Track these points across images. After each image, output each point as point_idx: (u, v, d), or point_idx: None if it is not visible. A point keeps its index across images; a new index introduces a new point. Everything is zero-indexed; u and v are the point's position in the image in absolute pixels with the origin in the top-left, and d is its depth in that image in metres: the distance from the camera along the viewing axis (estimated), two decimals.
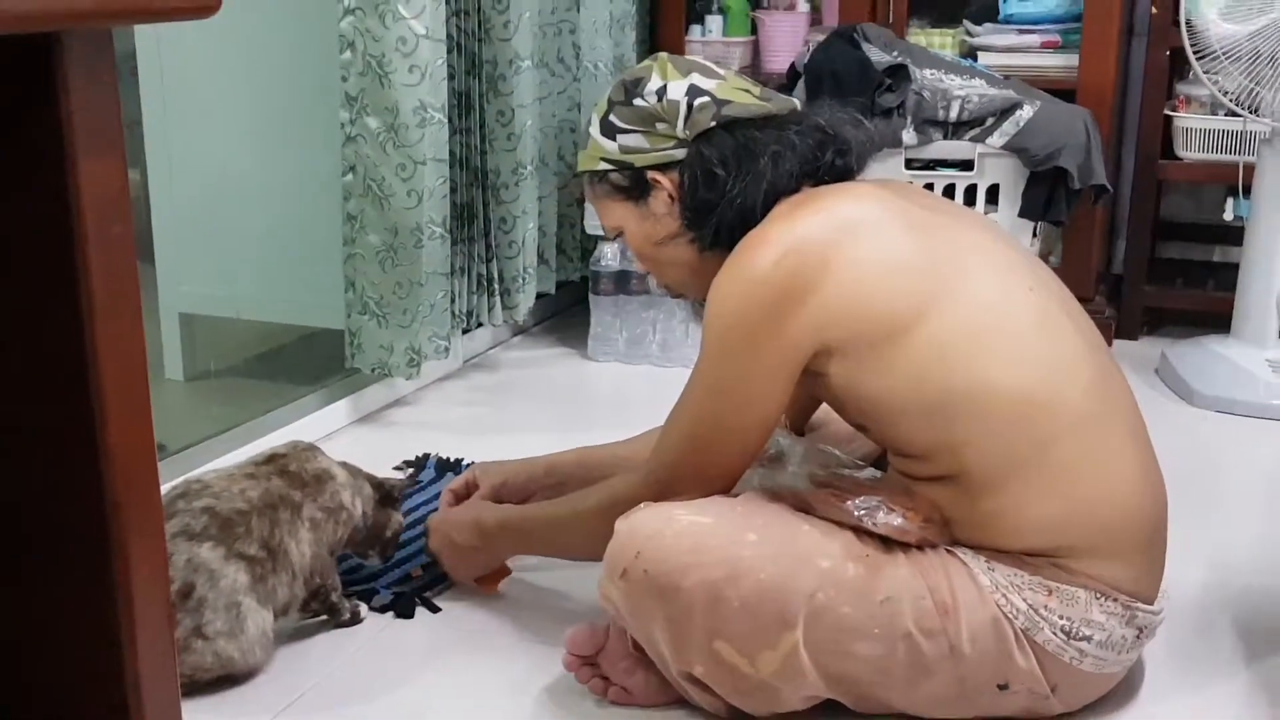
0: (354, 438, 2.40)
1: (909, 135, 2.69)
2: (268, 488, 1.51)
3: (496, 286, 2.68)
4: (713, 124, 1.44)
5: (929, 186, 2.72)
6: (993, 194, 2.74)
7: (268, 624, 1.47)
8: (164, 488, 1.53)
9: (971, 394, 1.30)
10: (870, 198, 1.40)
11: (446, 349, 2.50)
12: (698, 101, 1.44)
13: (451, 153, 2.45)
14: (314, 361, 2.82)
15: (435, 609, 1.69)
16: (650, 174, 1.47)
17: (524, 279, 2.72)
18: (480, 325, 2.78)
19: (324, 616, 1.61)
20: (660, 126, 1.46)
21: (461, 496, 1.79)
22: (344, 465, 1.66)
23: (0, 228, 0.84)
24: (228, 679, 1.47)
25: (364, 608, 1.65)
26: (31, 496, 0.90)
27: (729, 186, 1.42)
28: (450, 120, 2.42)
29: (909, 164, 2.72)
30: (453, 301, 2.55)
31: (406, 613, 1.67)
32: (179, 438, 2.28)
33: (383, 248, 2.34)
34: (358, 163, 2.30)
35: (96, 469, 0.85)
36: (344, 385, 2.50)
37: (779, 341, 1.34)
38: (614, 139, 1.48)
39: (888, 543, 1.33)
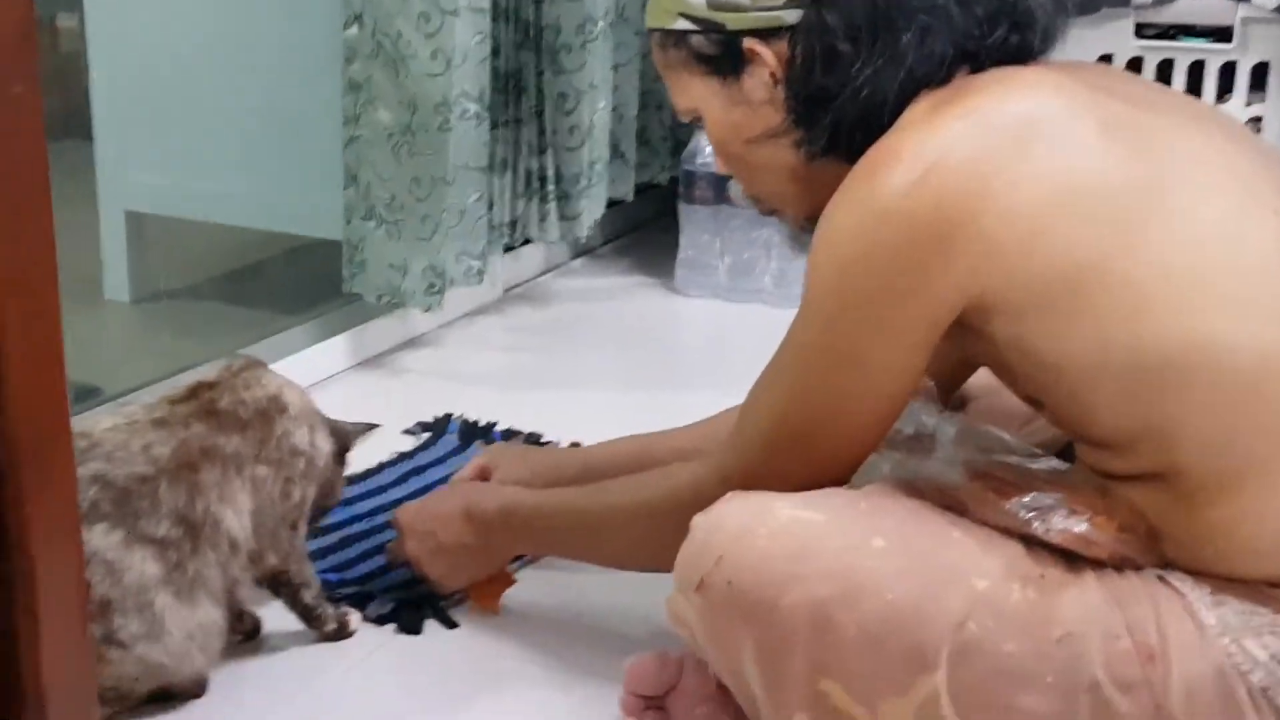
0: (352, 387, 2.43)
1: None
2: (184, 439, 1.50)
3: (552, 189, 2.69)
4: None
5: (1165, 66, 2.65)
6: (1259, 76, 2.67)
7: (205, 620, 1.48)
8: None
9: (1186, 355, 1.27)
10: (1048, 88, 1.36)
11: (480, 272, 2.52)
12: None
13: (494, 1, 2.45)
14: (302, 283, 2.86)
15: (451, 624, 1.71)
16: (747, 43, 1.44)
17: (590, 179, 2.72)
18: (528, 242, 2.79)
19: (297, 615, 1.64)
20: None
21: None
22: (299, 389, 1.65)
23: None
24: (170, 695, 1.51)
25: (355, 616, 1.68)
26: None
27: (855, 70, 1.39)
28: None
29: (1140, 30, 2.66)
30: (491, 207, 2.56)
31: (412, 627, 1.70)
32: (119, 378, 2.33)
33: (397, 130, 2.35)
34: (365, 10, 2.31)
35: None
36: (341, 316, 2.54)
37: (915, 298, 1.32)
38: None
39: (1072, 561, 1.31)
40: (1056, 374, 1.32)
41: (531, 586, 1.76)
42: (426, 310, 2.47)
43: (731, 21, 1.45)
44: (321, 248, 2.63)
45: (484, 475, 1.82)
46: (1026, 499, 1.32)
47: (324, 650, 1.64)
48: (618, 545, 1.55)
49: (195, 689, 1.53)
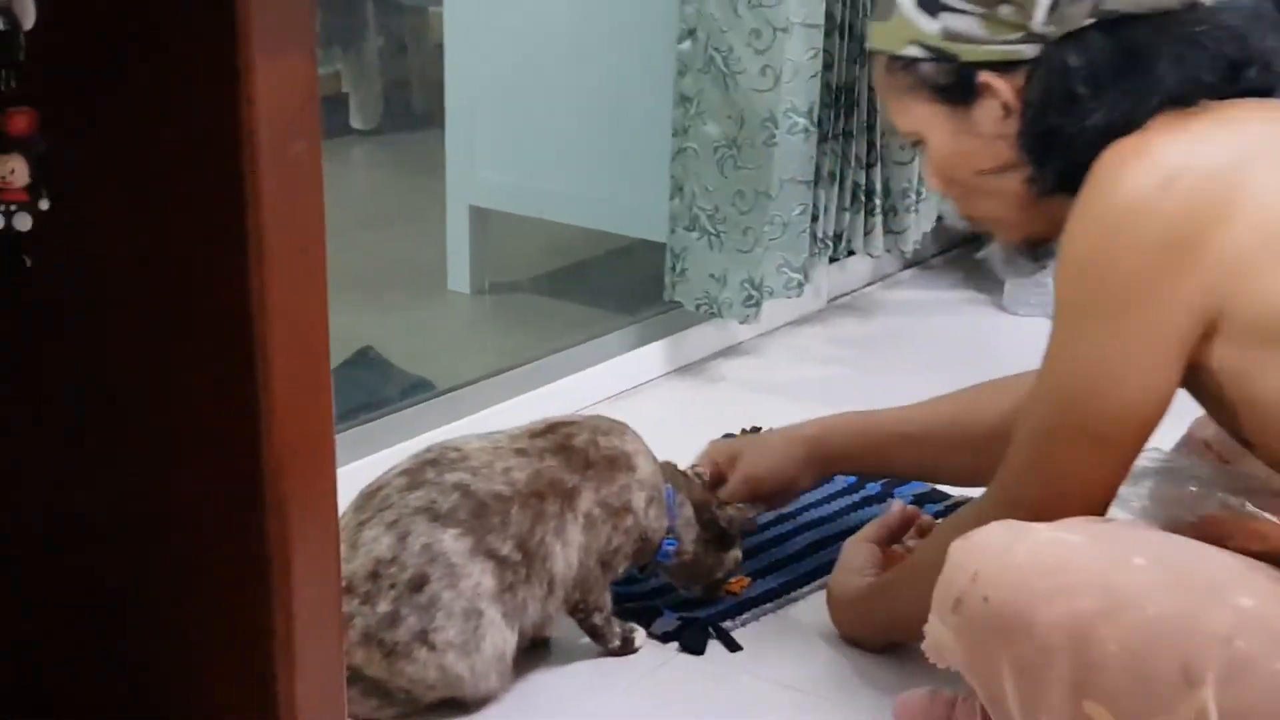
0: (667, 393, 2.46)
1: None
2: (538, 469, 1.58)
3: (879, 202, 2.66)
4: (1089, 21, 1.39)
5: None
6: None
7: (509, 647, 1.54)
8: (417, 447, 1.63)
9: None
10: None
11: (800, 284, 2.51)
12: None
13: (829, 15, 2.43)
14: (627, 283, 2.90)
15: (734, 646, 1.72)
16: (982, 76, 1.43)
17: (919, 193, 2.68)
18: (852, 254, 2.76)
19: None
20: (1004, 11, 1.41)
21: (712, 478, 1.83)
22: (668, 466, 1.71)
23: (155, 145, 0.90)
24: (451, 703, 1.55)
25: (640, 633, 1.70)
26: (177, 482, 0.97)
27: (1090, 111, 1.37)
28: None
29: None
30: (815, 220, 2.54)
31: (695, 647, 1.71)
32: (451, 372, 2.41)
33: (723, 143, 2.36)
34: (699, 25, 2.33)
35: (256, 456, 0.90)
36: (662, 322, 2.57)
37: (1165, 300, 1.31)
38: (935, 16, 1.43)
39: None
40: (1277, 413, 1.30)
41: (819, 612, 1.75)
42: (743, 322, 2.47)
43: (966, 54, 1.43)
44: (648, 248, 2.67)
45: (720, 474, 1.83)
46: None
47: (608, 664, 1.67)
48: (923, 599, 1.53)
49: (474, 707, 1.57)
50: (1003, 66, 1.42)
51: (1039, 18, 1.39)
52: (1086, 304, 1.35)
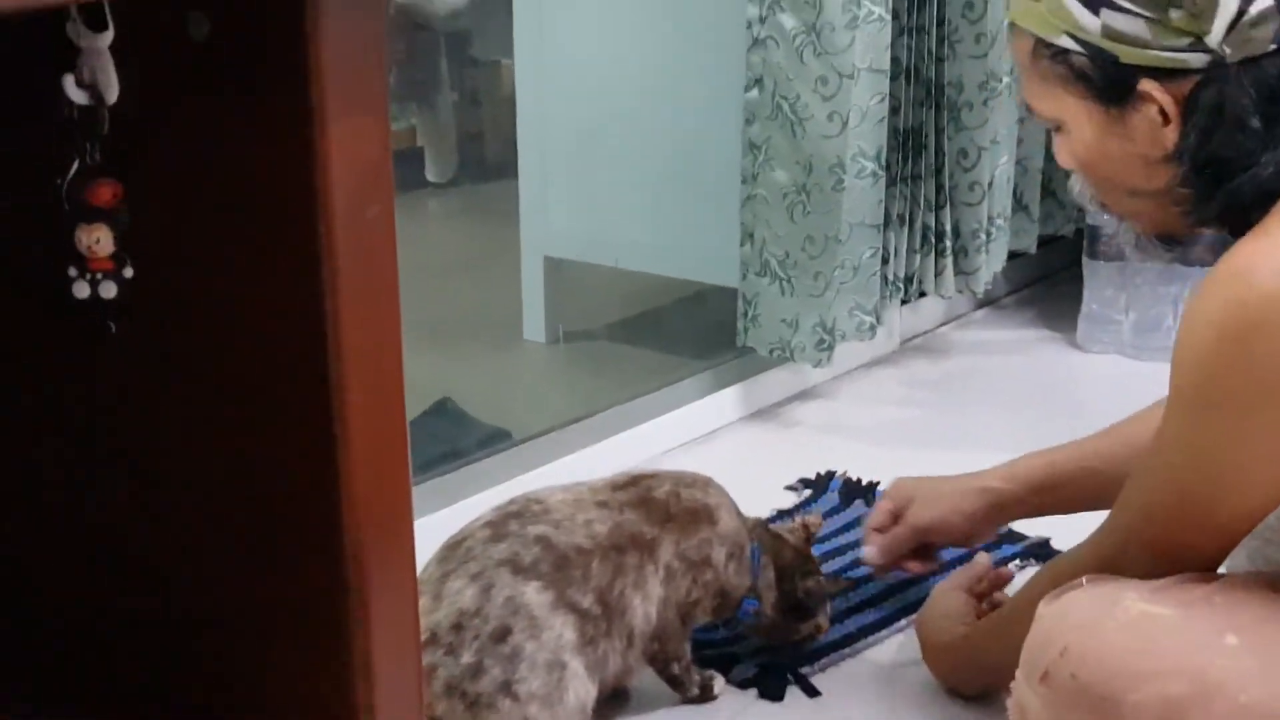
0: (743, 438, 2.45)
1: None
2: (618, 522, 1.59)
3: (949, 243, 2.65)
4: (1273, 48, 1.29)
5: None
6: None
7: (590, 699, 1.53)
8: (496, 496, 1.64)
9: None
10: None
11: (873, 327, 2.50)
12: (1257, 8, 1.28)
13: (895, 60, 2.43)
14: (700, 329, 2.91)
15: (813, 692, 1.71)
16: (1143, 82, 1.33)
17: (989, 234, 2.67)
18: (924, 295, 2.75)
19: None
20: (1175, 16, 1.30)
21: (886, 531, 1.81)
22: (758, 524, 1.70)
23: (230, 213, 0.91)
24: None
25: (719, 681, 1.69)
26: (257, 535, 0.97)
27: (1258, 150, 1.29)
28: (896, 16, 2.40)
29: None
30: (886, 262, 2.54)
31: (774, 694, 1.70)
32: (528, 422, 2.42)
33: (792, 189, 2.36)
34: (766, 74, 2.34)
35: (335, 514, 0.91)
36: (736, 367, 2.57)
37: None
38: (1097, 12, 1.33)
39: None
40: None
41: (898, 656, 1.74)
42: (816, 365, 2.46)
43: (1126, 55, 1.33)
44: (720, 296, 2.67)
45: (895, 515, 1.81)
46: None
47: (687, 712, 1.66)
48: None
49: None
50: (1165, 74, 1.32)
51: (1215, 35, 1.29)
52: (1209, 400, 1.29)
